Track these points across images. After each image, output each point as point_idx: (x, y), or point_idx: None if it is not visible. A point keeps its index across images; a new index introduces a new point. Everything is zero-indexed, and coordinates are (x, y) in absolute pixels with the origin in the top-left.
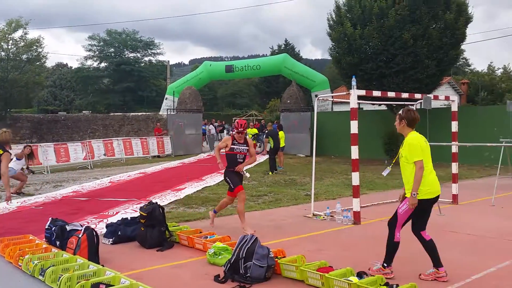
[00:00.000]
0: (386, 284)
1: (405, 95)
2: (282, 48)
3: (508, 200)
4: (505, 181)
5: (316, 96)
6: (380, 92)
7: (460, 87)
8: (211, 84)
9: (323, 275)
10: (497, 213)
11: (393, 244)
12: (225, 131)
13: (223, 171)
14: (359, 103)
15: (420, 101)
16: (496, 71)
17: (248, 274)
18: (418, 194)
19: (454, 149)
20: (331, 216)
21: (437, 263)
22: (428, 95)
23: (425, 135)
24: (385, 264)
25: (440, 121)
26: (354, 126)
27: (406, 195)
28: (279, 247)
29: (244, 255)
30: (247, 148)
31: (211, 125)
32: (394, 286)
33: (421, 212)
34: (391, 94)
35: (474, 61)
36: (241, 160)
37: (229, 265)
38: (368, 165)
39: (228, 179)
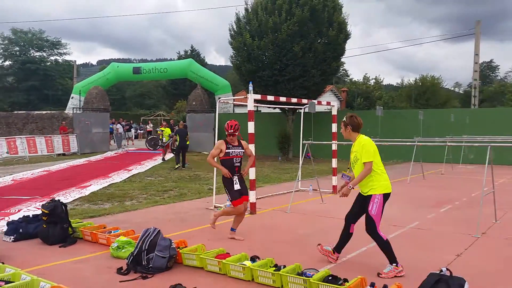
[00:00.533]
0: (275, 265)
1: (294, 100)
2: (188, 53)
3: None
4: None
5: (219, 98)
6: (273, 96)
7: (340, 94)
8: (120, 84)
9: (221, 261)
10: None
11: (386, 244)
12: (132, 130)
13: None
14: (256, 106)
15: (307, 105)
16: (370, 81)
17: (151, 265)
18: (354, 188)
19: (334, 147)
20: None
21: (338, 249)
22: (313, 100)
23: (310, 135)
24: (394, 264)
25: (323, 123)
26: (251, 127)
27: (363, 193)
28: (181, 238)
29: (147, 247)
30: (242, 150)
31: (118, 124)
32: (282, 266)
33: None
34: (282, 98)
35: (353, 72)
36: (238, 164)
37: (132, 257)
38: (264, 160)
39: (227, 190)
